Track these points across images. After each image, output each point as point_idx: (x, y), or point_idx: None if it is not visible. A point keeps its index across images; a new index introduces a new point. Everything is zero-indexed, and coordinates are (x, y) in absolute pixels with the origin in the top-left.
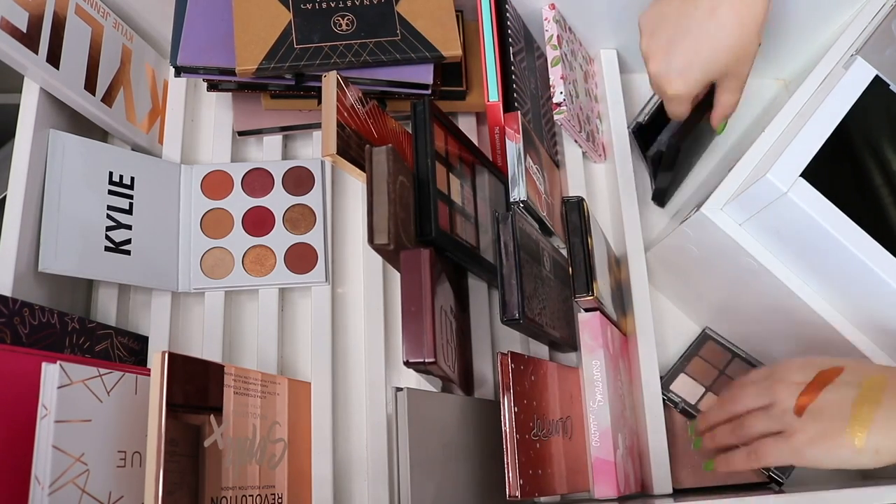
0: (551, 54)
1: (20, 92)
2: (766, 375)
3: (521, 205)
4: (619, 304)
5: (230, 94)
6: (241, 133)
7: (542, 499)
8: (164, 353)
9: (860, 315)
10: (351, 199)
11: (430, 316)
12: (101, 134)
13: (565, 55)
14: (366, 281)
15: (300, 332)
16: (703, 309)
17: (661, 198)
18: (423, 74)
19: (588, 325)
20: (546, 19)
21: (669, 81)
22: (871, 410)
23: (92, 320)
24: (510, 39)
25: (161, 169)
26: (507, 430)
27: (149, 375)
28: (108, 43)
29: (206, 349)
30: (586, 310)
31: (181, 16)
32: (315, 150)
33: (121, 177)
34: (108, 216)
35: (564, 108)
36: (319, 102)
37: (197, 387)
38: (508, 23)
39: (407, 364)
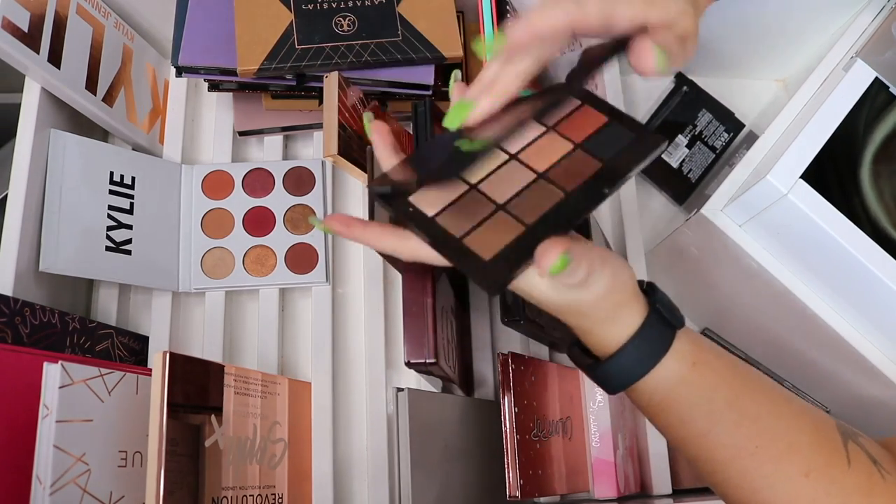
0: None
1: (21, 92)
2: None
3: None
4: None
5: (231, 94)
6: (241, 133)
7: (542, 499)
8: (164, 353)
9: (859, 316)
10: (351, 199)
11: (431, 316)
12: (101, 134)
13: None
14: (366, 281)
15: (300, 333)
16: (703, 309)
17: None
18: (424, 75)
19: None
20: None
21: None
22: None
23: (93, 320)
24: None
25: (162, 169)
26: (507, 430)
27: (149, 375)
28: (109, 42)
29: (207, 349)
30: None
31: (182, 16)
32: (316, 150)
33: (122, 177)
34: (109, 216)
35: None
36: (320, 103)
37: (197, 387)
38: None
39: (408, 364)
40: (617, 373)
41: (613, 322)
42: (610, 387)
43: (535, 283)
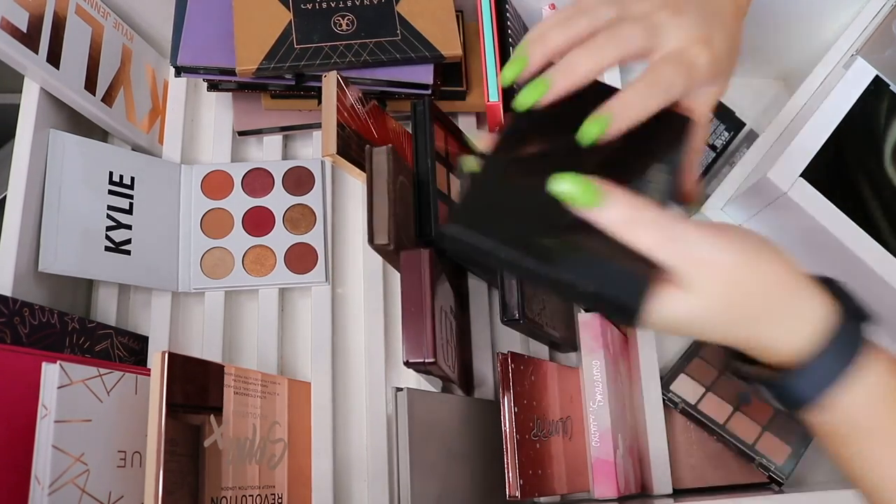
0: None
1: (20, 92)
2: None
3: None
4: None
5: (230, 93)
6: (241, 133)
7: (542, 499)
8: (164, 353)
9: None
10: (351, 199)
11: (430, 316)
12: (101, 134)
13: None
14: (366, 281)
15: (300, 332)
16: None
17: None
18: (424, 74)
19: (588, 325)
20: None
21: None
22: None
23: (92, 320)
24: (510, 39)
25: (161, 169)
26: (507, 430)
27: (149, 375)
28: (109, 43)
29: (206, 349)
30: (586, 310)
31: (181, 16)
32: (315, 150)
33: (121, 177)
34: (109, 216)
35: None
36: (319, 102)
37: (197, 387)
38: (508, 23)
39: (407, 364)
40: (808, 384)
41: (785, 315)
42: (794, 402)
43: (681, 306)
